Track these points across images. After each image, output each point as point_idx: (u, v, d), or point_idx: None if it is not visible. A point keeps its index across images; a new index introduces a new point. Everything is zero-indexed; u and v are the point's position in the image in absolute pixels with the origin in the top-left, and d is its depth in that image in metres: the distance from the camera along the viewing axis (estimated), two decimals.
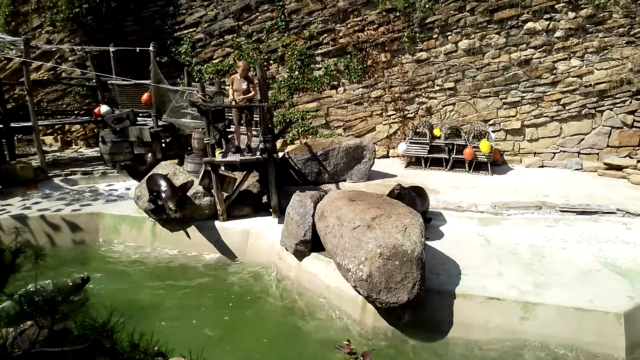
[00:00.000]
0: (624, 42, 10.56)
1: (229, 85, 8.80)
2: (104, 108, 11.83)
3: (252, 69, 8.40)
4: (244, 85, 8.22)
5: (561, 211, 8.06)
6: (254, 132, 9.62)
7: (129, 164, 9.05)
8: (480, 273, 6.16)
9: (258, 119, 9.16)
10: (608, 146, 11.11)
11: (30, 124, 11.09)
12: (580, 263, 6.44)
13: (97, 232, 8.94)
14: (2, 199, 9.67)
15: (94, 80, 12.82)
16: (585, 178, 10.23)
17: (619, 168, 10.27)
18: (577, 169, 10.85)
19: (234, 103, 8.27)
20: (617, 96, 10.83)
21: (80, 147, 14.73)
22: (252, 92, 8.25)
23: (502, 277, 6.06)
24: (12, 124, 11.39)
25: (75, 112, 14.15)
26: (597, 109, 11.06)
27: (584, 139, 11.29)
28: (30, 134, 12.53)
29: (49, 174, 10.94)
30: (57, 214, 8.95)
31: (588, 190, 9.27)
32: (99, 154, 12.22)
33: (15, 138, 13.29)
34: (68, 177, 10.97)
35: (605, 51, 10.73)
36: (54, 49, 13.61)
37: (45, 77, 14.20)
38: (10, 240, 1.94)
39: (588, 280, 5.94)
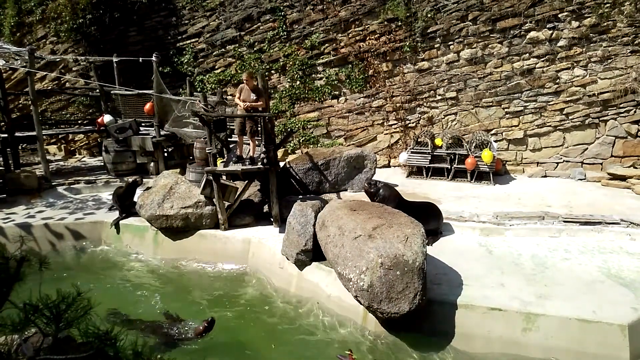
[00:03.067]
0: (628, 51, 10.59)
1: (231, 95, 8.88)
2: (107, 118, 11.92)
3: (255, 78, 8.55)
4: (253, 96, 8.32)
5: (564, 221, 8.03)
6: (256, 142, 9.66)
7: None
8: (482, 283, 6.13)
9: (259, 128, 9.22)
10: (612, 156, 11.09)
11: (34, 133, 11.18)
12: (584, 274, 6.40)
13: (100, 240, 8.96)
14: (6, 207, 9.73)
15: (97, 90, 12.94)
16: (589, 188, 10.19)
17: (623, 178, 10.22)
18: (581, 179, 10.82)
19: (239, 112, 8.37)
20: (621, 106, 10.82)
21: (84, 157, 14.82)
22: (260, 102, 8.34)
23: (505, 288, 6.02)
24: (16, 134, 11.47)
25: (79, 121, 14.27)
26: (600, 119, 11.05)
27: (587, 148, 11.28)
28: (34, 143, 12.61)
29: (53, 183, 11.00)
30: (60, 222, 8.98)
31: (592, 200, 9.23)
32: (102, 163, 12.29)
33: (20, 147, 13.38)
34: (71, 186, 11.04)
35: (609, 60, 10.76)
36: (58, 59, 13.73)
37: (49, 87, 14.34)
38: (15, 248, 1.95)
39: (592, 291, 5.89)
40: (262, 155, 8.45)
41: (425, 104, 12.34)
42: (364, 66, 12.54)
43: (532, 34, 11.10)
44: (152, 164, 11.70)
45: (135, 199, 9.11)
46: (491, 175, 10.82)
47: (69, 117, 14.54)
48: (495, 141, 11.48)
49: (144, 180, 10.53)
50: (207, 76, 13.69)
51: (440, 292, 5.93)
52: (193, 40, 13.68)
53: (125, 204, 9.20)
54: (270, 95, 11.33)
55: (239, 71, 13.27)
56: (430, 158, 11.31)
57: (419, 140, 11.58)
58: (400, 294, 5.29)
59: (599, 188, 10.21)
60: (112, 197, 9.57)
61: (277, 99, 13.18)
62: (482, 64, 11.63)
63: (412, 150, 11.53)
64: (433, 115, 12.35)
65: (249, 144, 8.90)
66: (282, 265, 7.35)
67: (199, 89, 13.11)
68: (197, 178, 9.25)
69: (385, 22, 12.14)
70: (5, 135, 11.26)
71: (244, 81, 8.44)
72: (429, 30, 11.80)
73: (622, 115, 10.89)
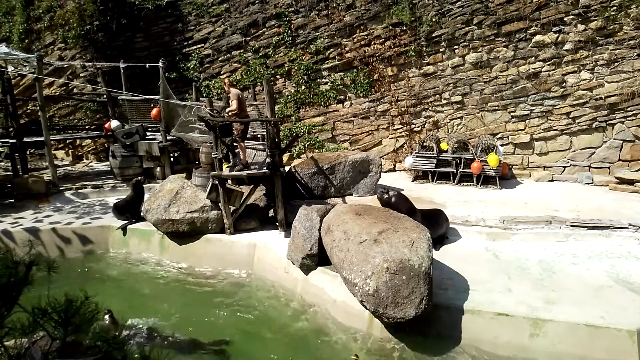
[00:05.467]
0: (635, 54, 10.54)
1: None
2: (114, 123, 12.00)
3: (234, 84, 8.94)
4: (230, 102, 8.59)
5: (572, 226, 7.97)
6: (259, 147, 9.74)
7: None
8: (489, 288, 6.09)
9: (264, 133, 9.28)
10: (619, 160, 11.02)
11: (42, 138, 11.28)
12: (592, 279, 6.35)
13: (107, 244, 9.00)
14: (15, 212, 9.81)
15: (104, 96, 13.05)
16: (596, 192, 10.12)
17: (630, 182, 10.15)
18: (588, 183, 10.76)
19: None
20: (629, 109, 10.77)
21: (91, 162, 14.92)
22: (231, 107, 8.57)
23: (512, 293, 5.99)
24: (24, 139, 11.57)
25: (86, 127, 14.38)
26: (608, 122, 11.00)
27: (594, 152, 11.21)
28: (42, 148, 12.72)
29: (60, 188, 11.08)
30: (68, 226, 9.04)
31: (599, 204, 9.17)
32: (109, 168, 12.37)
33: (28, 152, 13.50)
34: (79, 190, 11.11)
35: (616, 64, 10.71)
36: (65, 66, 13.88)
37: (57, 93, 14.47)
38: (23, 252, 1.97)
39: (599, 297, 5.84)
40: (268, 160, 8.49)
41: (430, 108, 12.33)
42: (369, 71, 12.56)
43: (538, 37, 11.07)
44: (158, 168, 11.77)
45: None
46: (497, 180, 10.78)
47: (77, 122, 14.67)
48: (502, 145, 11.43)
49: (149, 182, 10.63)
50: (213, 81, 13.76)
51: (447, 297, 5.90)
52: (199, 45, 13.77)
53: (137, 210, 9.22)
54: (275, 100, 11.36)
55: (245, 76, 13.35)
56: (435, 162, 11.27)
57: (424, 144, 11.56)
58: (406, 298, 5.27)
59: (606, 192, 10.14)
60: (120, 210, 9.35)
61: (283, 104, 13.22)
62: (488, 68, 11.61)
63: (418, 154, 11.51)
64: (438, 120, 12.33)
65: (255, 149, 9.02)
66: (288, 269, 7.35)
67: (205, 94, 13.18)
68: (203, 182, 9.28)
69: (390, 27, 12.16)
70: (14, 140, 11.37)
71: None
72: (434, 35, 11.80)
73: (629, 118, 10.81)
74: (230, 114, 8.55)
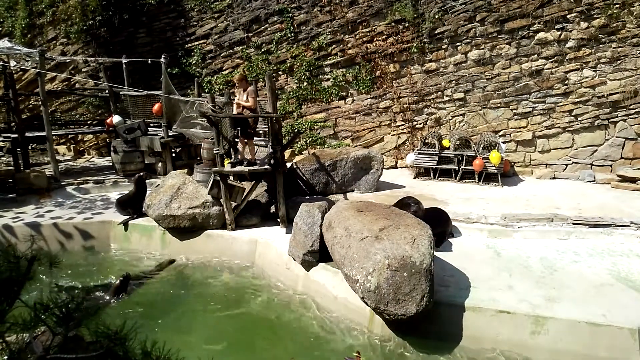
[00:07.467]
0: (638, 52, 10.49)
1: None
2: (116, 118, 12.00)
3: (249, 80, 8.82)
4: (244, 97, 8.44)
5: (573, 224, 7.95)
6: (261, 143, 9.70)
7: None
8: (490, 286, 6.09)
9: (266, 129, 9.28)
10: (622, 158, 10.99)
11: (44, 133, 11.29)
12: (593, 277, 6.34)
13: (108, 240, 9.02)
14: (16, 207, 9.83)
15: (106, 91, 13.04)
16: (598, 190, 10.10)
17: (633, 180, 10.12)
18: (590, 181, 10.72)
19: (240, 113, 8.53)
20: (631, 107, 10.72)
21: (93, 157, 14.93)
22: (248, 103, 8.40)
23: (513, 290, 5.98)
24: (26, 134, 11.58)
25: (88, 122, 14.39)
26: (610, 120, 10.96)
27: (596, 150, 11.18)
28: (44, 143, 12.73)
29: (62, 183, 11.10)
30: (69, 222, 9.05)
31: (601, 202, 9.15)
32: (111, 163, 12.38)
33: (30, 147, 13.50)
34: (80, 185, 11.12)
35: (619, 61, 10.66)
36: (68, 61, 13.87)
37: (59, 88, 14.48)
38: (25, 247, 1.97)
39: (601, 295, 5.83)
40: (270, 156, 8.48)
41: (432, 105, 12.30)
42: (371, 67, 12.53)
43: (541, 34, 11.03)
44: (160, 164, 11.78)
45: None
46: (499, 177, 10.76)
47: (79, 117, 14.68)
48: (504, 142, 11.40)
49: (151, 178, 10.63)
50: (215, 77, 13.75)
51: (448, 294, 5.90)
52: (201, 41, 13.74)
53: (139, 206, 9.20)
54: (277, 96, 11.35)
55: (247, 72, 13.32)
56: (437, 159, 11.25)
57: (426, 141, 11.54)
58: (407, 295, 5.28)
59: (608, 190, 10.11)
60: (122, 205, 9.35)
61: (285, 100, 13.21)
62: (490, 65, 11.58)
63: (420, 151, 11.49)
64: (440, 117, 12.30)
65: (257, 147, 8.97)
66: (289, 266, 7.35)
67: (207, 90, 13.17)
68: (205, 178, 9.28)
69: (393, 23, 12.12)
70: (16, 135, 11.38)
71: (236, 84, 8.73)
72: (436, 32, 11.76)
73: (632, 116, 10.78)
74: (245, 109, 8.45)
